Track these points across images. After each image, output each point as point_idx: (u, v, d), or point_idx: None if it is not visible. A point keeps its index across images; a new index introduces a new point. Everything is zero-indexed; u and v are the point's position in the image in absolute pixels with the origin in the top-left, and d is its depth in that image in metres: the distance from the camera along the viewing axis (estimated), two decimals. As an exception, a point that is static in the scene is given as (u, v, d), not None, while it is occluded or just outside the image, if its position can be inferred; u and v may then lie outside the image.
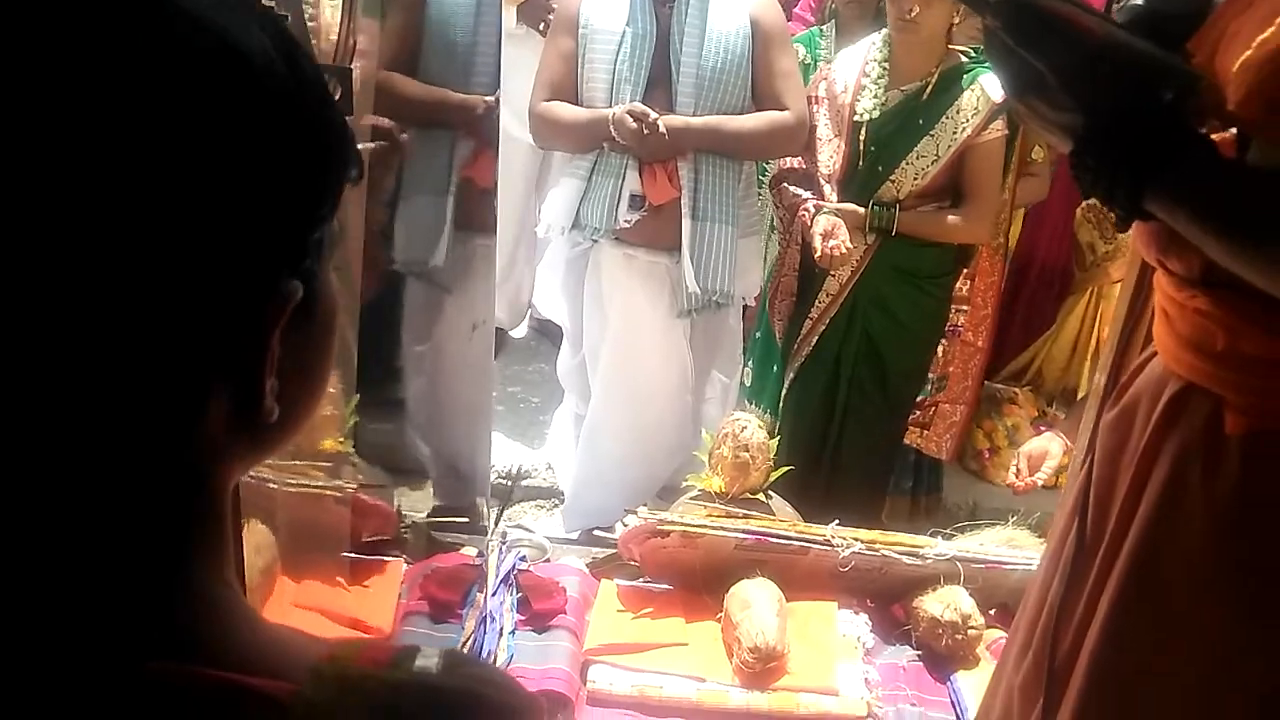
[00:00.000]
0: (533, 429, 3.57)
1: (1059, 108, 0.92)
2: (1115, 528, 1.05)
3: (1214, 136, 0.93)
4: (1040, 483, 2.29)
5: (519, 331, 3.97)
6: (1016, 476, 2.32)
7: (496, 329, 3.82)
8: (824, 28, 2.84)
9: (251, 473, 1.54)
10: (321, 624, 1.82)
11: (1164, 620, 1.01)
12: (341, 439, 2.03)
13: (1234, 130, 0.93)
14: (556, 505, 3.13)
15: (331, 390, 1.79)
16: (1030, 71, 0.91)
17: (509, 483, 2.86)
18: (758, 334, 2.97)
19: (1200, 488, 0.96)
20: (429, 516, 2.29)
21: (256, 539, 1.69)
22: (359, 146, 0.52)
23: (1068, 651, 1.10)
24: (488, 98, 2.00)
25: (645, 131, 2.28)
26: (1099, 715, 1.06)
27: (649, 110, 2.30)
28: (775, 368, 2.87)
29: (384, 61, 2.01)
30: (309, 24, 1.60)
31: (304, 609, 1.88)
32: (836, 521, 2.20)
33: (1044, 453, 2.29)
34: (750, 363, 3.45)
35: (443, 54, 2.12)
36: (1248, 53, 0.87)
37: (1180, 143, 0.90)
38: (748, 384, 3.49)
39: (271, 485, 1.76)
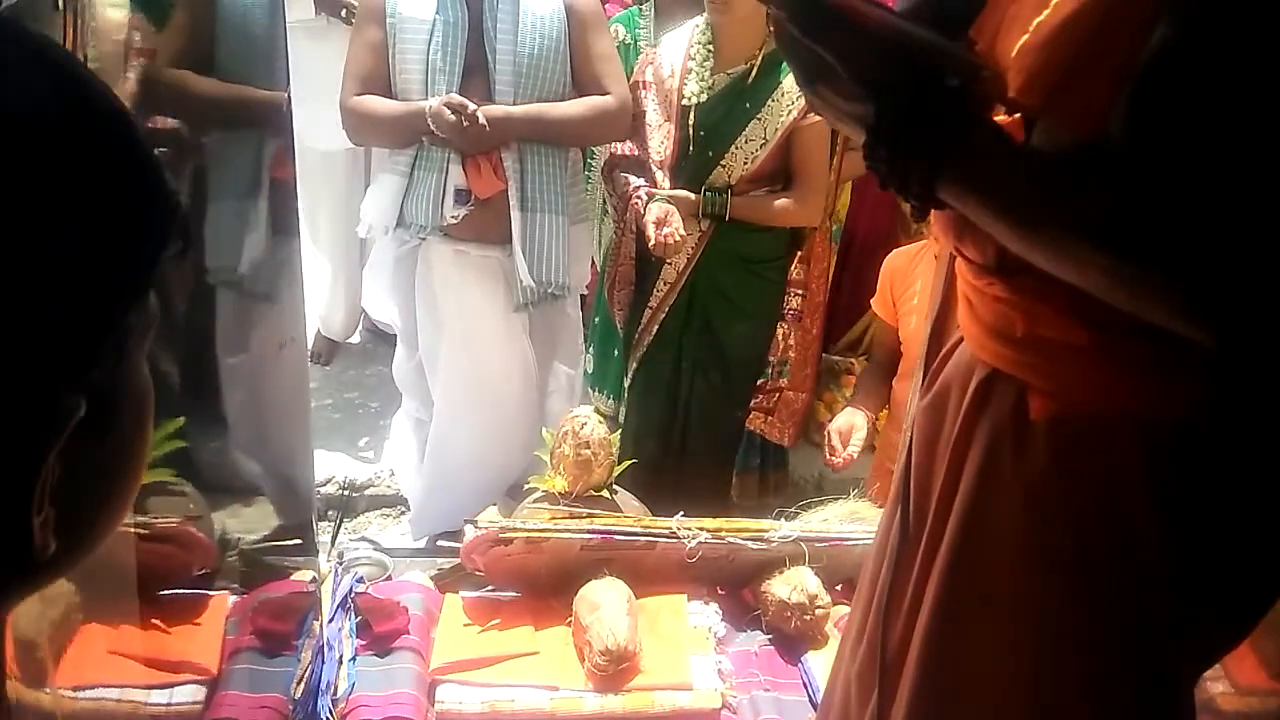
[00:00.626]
0: (373, 435, 3.45)
1: (849, 98, 0.91)
2: (935, 515, 1.05)
3: (1001, 121, 0.92)
4: (855, 455, 2.38)
5: (353, 336, 3.82)
6: (831, 454, 2.40)
7: (327, 339, 3.67)
8: (643, 7, 2.80)
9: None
10: (141, 670, 1.69)
11: (988, 605, 1.01)
12: (150, 467, 1.87)
13: (1019, 115, 0.92)
14: (403, 513, 3.03)
15: None
16: (818, 62, 0.89)
17: (346, 494, 2.74)
18: (596, 320, 2.93)
19: (1011, 473, 0.97)
20: (262, 540, 2.16)
21: (47, 590, 1.53)
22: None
23: (899, 640, 1.10)
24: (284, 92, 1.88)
25: (465, 124, 2.20)
26: (932, 701, 1.06)
27: (467, 101, 2.22)
28: (616, 353, 2.83)
29: (171, 59, 1.85)
30: (90, 24, 1.45)
31: (122, 655, 1.74)
32: (682, 513, 2.18)
33: (850, 426, 2.39)
34: (590, 350, 3.41)
35: (239, 49, 1.97)
36: (1025, 37, 0.87)
37: (967, 129, 0.89)
38: (589, 371, 3.45)
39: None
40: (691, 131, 2.49)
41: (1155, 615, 0.94)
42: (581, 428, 2.23)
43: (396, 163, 2.38)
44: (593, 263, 2.74)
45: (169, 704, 1.66)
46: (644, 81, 2.57)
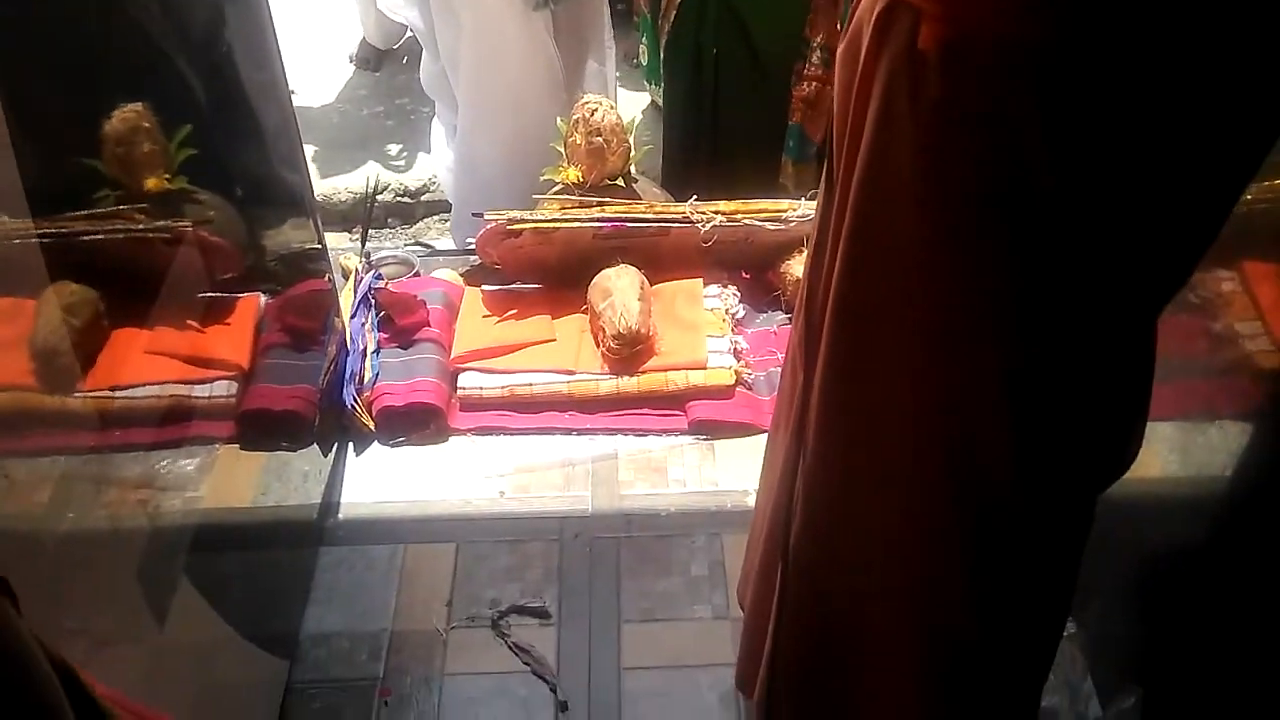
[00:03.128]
0: (427, 140, 3.44)
1: None
2: (844, 166, 1.01)
3: None
4: None
5: (398, 42, 3.74)
6: None
7: (373, 46, 3.60)
8: None
9: (61, 226, 1.48)
10: (177, 367, 1.82)
11: (888, 255, 0.98)
12: (169, 176, 1.94)
13: None
14: (456, 217, 3.08)
15: (145, 125, 1.69)
16: None
17: (370, 199, 2.76)
18: (647, 12, 2.78)
19: (906, 112, 0.91)
20: (280, 245, 2.23)
21: (69, 299, 1.65)
22: None
23: (821, 301, 1.09)
24: None
25: None
26: (840, 349, 1.06)
27: None
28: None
29: None
30: None
31: (157, 354, 1.87)
32: (695, 197, 2.15)
33: None
34: (643, 38, 3.26)
35: None
36: None
37: None
38: (644, 63, 3.32)
39: (85, 238, 1.70)
40: None
41: (1052, 249, 0.90)
42: (592, 114, 2.17)
43: None
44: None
45: (207, 396, 1.78)
46: None
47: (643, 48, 3.30)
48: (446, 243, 2.95)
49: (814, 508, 1.16)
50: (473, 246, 2.24)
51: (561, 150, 2.23)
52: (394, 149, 3.33)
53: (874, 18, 0.93)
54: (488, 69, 2.44)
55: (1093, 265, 0.91)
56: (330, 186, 3.06)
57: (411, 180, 3.24)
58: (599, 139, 2.15)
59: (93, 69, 1.52)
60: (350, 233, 3.00)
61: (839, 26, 2.54)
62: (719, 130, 2.60)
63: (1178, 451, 1.52)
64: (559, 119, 2.28)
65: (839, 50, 1.04)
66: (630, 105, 3.38)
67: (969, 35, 0.85)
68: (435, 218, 3.26)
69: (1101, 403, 1.00)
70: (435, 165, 3.03)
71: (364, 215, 2.51)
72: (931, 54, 0.87)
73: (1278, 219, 0.94)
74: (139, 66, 1.70)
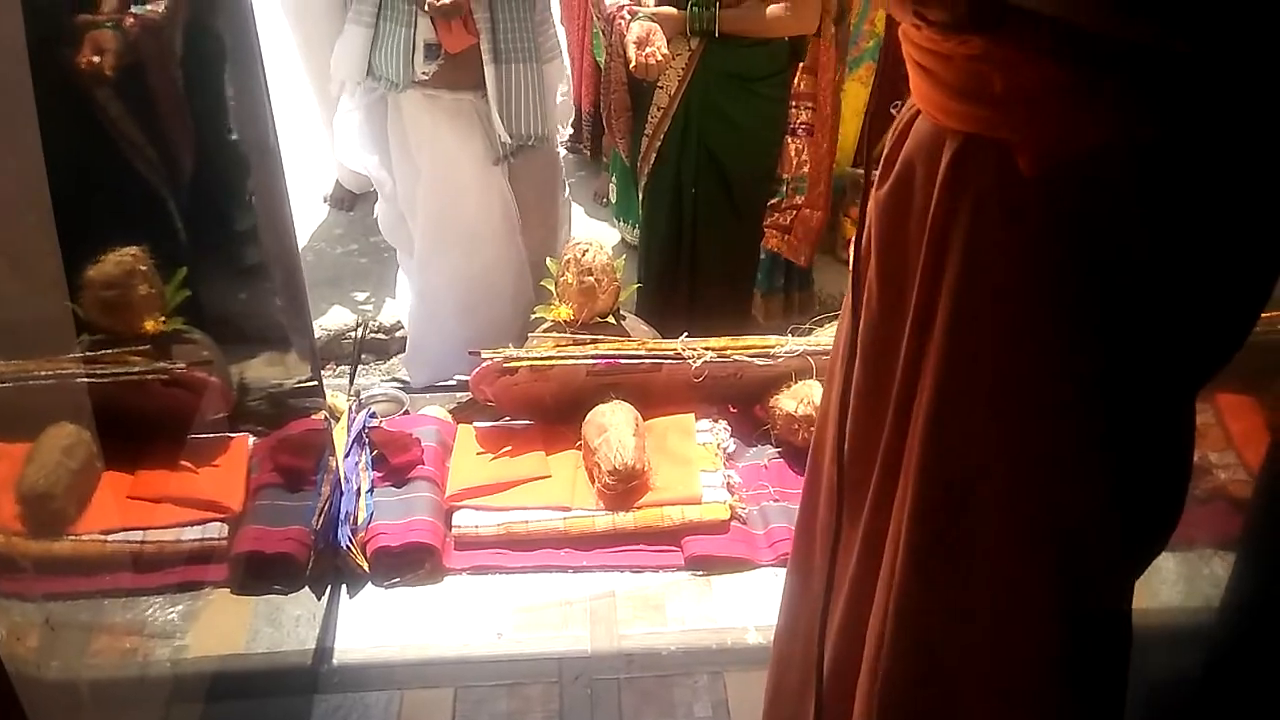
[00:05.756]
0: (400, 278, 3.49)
1: None
2: (918, 303, 1.02)
3: None
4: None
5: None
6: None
7: (346, 188, 3.68)
8: None
9: (55, 369, 1.47)
10: (167, 511, 1.78)
11: (988, 381, 0.99)
12: (164, 319, 1.94)
13: None
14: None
15: (142, 268, 1.70)
16: None
17: (356, 337, 2.77)
18: (615, 149, 2.88)
19: (1004, 239, 0.93)
20: (274, 384, 2.23)
21: (65, 440, 1.62)
22: None
23: (893, 429, 1.08)
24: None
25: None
26: (936, 494, 1.05)
27: None
28: (634, 181, 2.80)
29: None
30: None
31: (144, 500, 1.84)
32: (685, 334, 2.20)
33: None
34: (613, 178, 3.37)
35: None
36: None
37: None
38: (614, 201, 3.43)
39: (81, 380, 1.68)
40: (676, -56, 2.38)
41: (1163, 346, 0.93)
42: (584, 255, 2.23)
43: (360, 13, 2.29)
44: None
45: (198, 539, 1.75)
46: (624, -104, 2.45)
47: (612, 186, 3.42)
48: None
49: (913, 639, 1.11)
50: (452, 383, 2.24)
51: (552, 289, 2.28)
52: (365, 290, 3.36)
53: (949, 157, 0.96)
54: (446, 213, 2.49)
55: (1174, 338, 0.94)
56: (306, 325, 3.07)
57: (386, 317, 3.26)
58: (590, 279, 2.21)
59: (88, 210, 1.53)
60: (326, 368, 3.00)
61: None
62: (696, 266, 2.67)
63: (1167, 583, 1.54)
64: (548, 259, 2.33)
65: (880, 193, 1.08)
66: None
67: (1065, 159, 0.89)
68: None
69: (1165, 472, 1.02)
70: (399, 307, 3.07)
71: (353, 354, 2.52)
72: (1031, 181, 0.90)
73: (1243, 356, 1.02)
74: (143, 209, 1.73)
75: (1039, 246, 0.93)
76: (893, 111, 1.13)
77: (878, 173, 1.13)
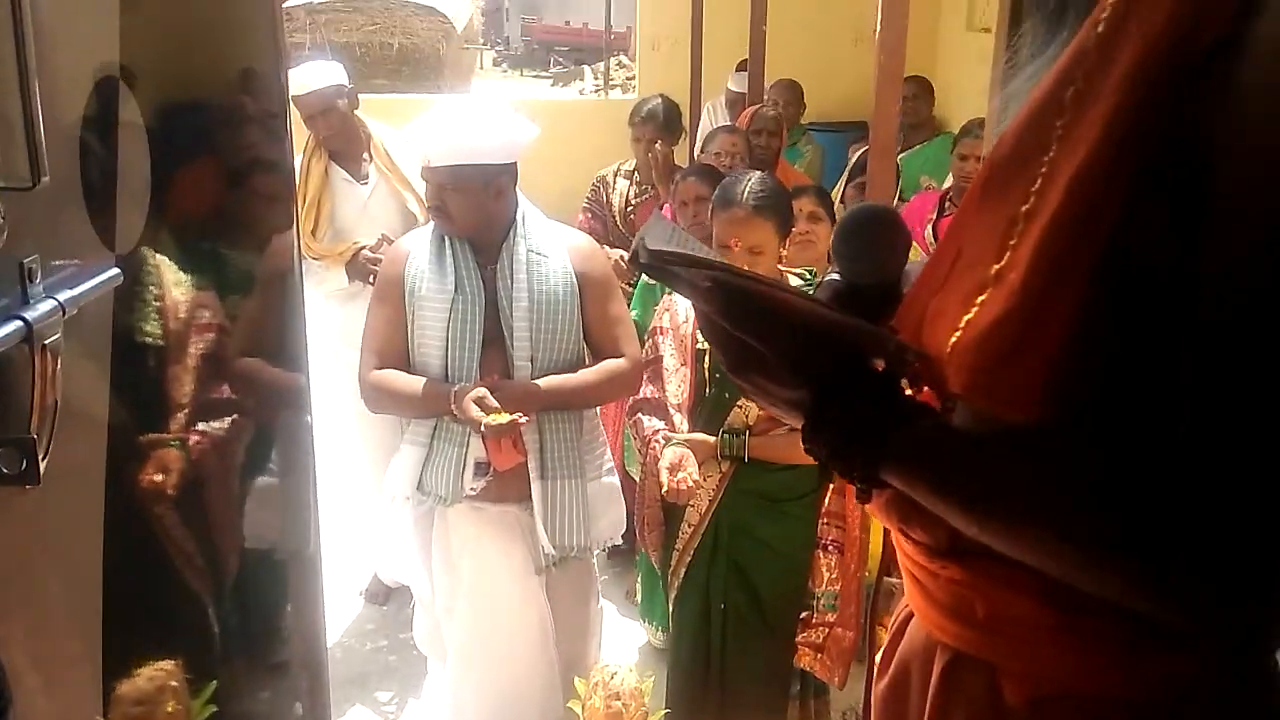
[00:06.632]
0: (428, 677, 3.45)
1: (784, 385, 0.93)
2: None
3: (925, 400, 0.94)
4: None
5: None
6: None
7: (382, 582, 3.73)
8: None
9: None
10: None
11: None
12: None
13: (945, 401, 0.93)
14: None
15: (174, 683, 1.70)
16: (749, 351, 0.92)
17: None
18: (644, 553, 2.94)
19: None
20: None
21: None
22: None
23: None
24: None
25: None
26: None
27: (488, 394, 2.27)
28: (662, 587, 2.82)
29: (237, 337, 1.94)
30: (156, 304, 1.59)
31: None
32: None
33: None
34: (640, 578, 3.40)
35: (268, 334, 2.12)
36: (957, 335, 0.86)
37: (903, 412, 0.91)
38: (639, 603, 3.43)
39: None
40: (707, 374, 2.56)
41: None
42: (611, 678, 2.22)
43: (416, 434, 2.42)
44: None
45: None
46: (660, 327, 2.67)
47: (638, 585, 3.44)
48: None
49: None
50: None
51: (579, 711, 2.25)
52: (390, 689, 3.31)
53: (939, 670, 0.96)
54: (482, 621, 2.50)
55: None
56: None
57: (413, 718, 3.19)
58: (618, 703, 2.18)
59: (133, 622, 1.54)
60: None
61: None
62: (725, 681, 2.63)
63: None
64: (576, 679, 2.32)
65: (879, 688, 1.09)
66: (626, 644, 3.44)
67: (1051, 693, 0.88)
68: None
69: None
70: (424, 709, 3.01)
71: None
72: (1016, 709, 0.89)
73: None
74: (184, 619, 1.75)
75: None
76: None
77: (878, 665, 1.13)
